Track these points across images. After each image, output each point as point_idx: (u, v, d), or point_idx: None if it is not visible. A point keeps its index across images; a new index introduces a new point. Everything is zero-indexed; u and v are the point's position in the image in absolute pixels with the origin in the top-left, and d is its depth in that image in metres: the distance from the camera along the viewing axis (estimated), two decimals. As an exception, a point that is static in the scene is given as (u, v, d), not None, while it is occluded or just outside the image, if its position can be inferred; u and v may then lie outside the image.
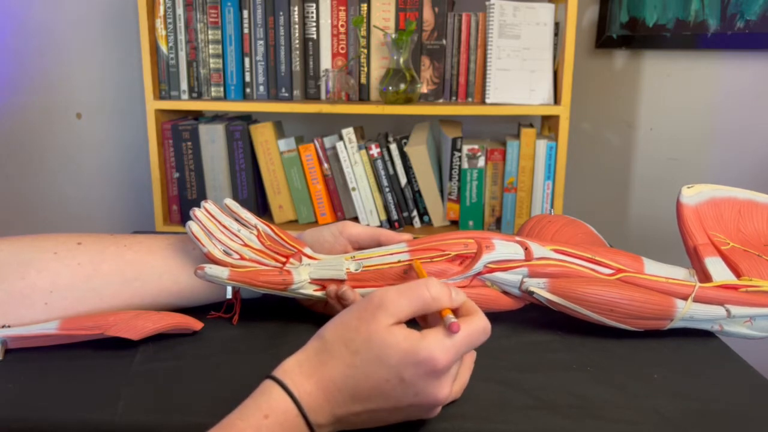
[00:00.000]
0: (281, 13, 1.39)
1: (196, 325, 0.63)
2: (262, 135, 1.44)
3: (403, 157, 1.42)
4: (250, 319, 0.65)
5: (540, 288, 0.62)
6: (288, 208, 1.49)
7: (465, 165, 1.40)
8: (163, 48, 1.42)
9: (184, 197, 1.48)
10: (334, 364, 0.45)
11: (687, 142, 1.60)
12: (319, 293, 0.62)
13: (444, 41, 1.41)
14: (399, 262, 0.63)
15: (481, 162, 1.40)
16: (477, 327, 0.46)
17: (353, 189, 1.43)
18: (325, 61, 1.43)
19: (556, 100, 1.38)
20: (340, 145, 1.41)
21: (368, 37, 1.41)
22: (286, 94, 1.43)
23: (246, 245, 0.63)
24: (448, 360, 0.44)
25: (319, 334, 0.47)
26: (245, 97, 1.44)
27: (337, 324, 0.47)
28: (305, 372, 0.45)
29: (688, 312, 0.61)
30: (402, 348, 0.44)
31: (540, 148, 1.37)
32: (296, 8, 1.39)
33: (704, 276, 0.65)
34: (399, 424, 0.48)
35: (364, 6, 1.39)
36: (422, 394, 0.44)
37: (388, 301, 0.45)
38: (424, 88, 1.43)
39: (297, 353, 0.46)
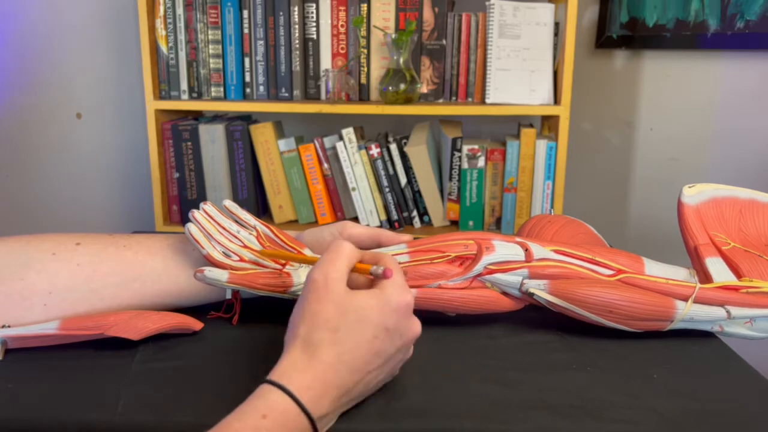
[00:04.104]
0: (281, 13, 1.39)
1: (196, 325, 0.63)
2: (262, 135, 1.44)
3: (403, 157, 1.42)
4: (250, 319, 0.65)
5: (540, 289, 0.62)
6: (288, 208, 1.49)
7: (465, 165, 1.40)
8: (163, 48, 1.42)
9: (184, 197, 1.48)
10: (323, 351, 0.46)
11: (687, 142, 1.60)
12: (319, 293, 0.62)
13: (444, 41, 1.41)
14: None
15: (481, 162, 1.40)
16: (394, 261, 0.53)
17: (353, 189, 1.43)
18: (325, 61, 1.43)
19: (556, 100, 1.38)
20: (340, 145, 1.41)
21: (368, 37, 1.41)
22: (286, 94, 1.43)
23: (245, 246, 0.63)
24: (410, 294, 0.51)
25: (291, 335, 0.49)
26: (245, 97, 1.44)
27: (302, 318, 0.48)
28: (299, 369, 0.46)
29: (688, 313, 0.61)
30: (374, 305, 0.48)
31: (540, 148, 1.37)
32: (296, 8, 1.39)
33: (705, 276, 0.65)
34: (403, 423, 0.48)
35: (364, 6, 1.39)
36: (405, 333, 0.50)
37: (330, 272, 0.49)
38: (424, 88, 1.43)
39: (283, 358, 0.47)
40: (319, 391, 0.45)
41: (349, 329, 0.47)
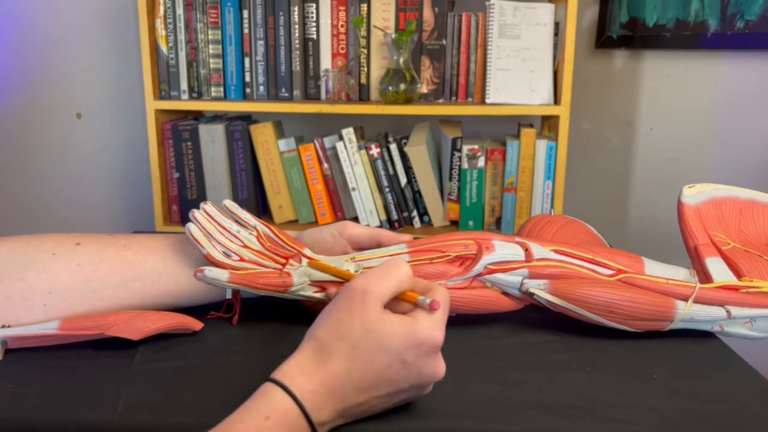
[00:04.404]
0: (281, 13, 1.39)
1: (196, 325, 0.63)
2: (262, 135, 1.44)
3: (403, 157, 1.42)
4: (250, 319, 0.65)
5: (540, 289, 0.62)
6: (288, 208, 1.49)
7: (465, 165, 1.40)
8: (163, 48, 1.42)
9: (184, 197, 1.48)
10: (335, 361, 0.45)
11: (687, 142, 1.60)
12: (319, 295, 0.62)
13: (444, 41, 1.41)
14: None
15: (481, 162, 1.40)
16: (446, 297, 0.49)
17: (353, 189, 1.43)
18: (325, 61, 1.43)
19: (556, 100, 1.38)
20: (340, 145, 1.41)
21: (368, 37, 1.41)
22: (286, 94, 1.43)
23: (245, 246, 0.63)
24: (443, 334, 0.47)
25: (310, 334, 0.48)
26: (245, 97, 1.44)
27: (327, 321, 0.47)
28: (306, 373, 0.45)
29: (689, 313, 0.61)
30: (401, 333, 0.46)
31: (540, 148, 1.37)
32: (296, 8, 1.39)
33: (705, 276, 0.65)
34: (403, 423, 0.48)
35: (364, 6, 1.39)
36: (424, 372, 0.47)
37: (374, 288, 0.47)
38: (424, 88, 1.43)
39: (294, 356, 0.47)
40: (321, 398, 0.45)
41: (367, 350, 0.45)
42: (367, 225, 1.28)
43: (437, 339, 0.46)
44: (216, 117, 1.57)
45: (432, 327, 0.46)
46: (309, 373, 0.45)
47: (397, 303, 0.49)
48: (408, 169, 1.43)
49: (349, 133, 1.40)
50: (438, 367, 0.48)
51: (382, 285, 0.47)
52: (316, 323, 0.48)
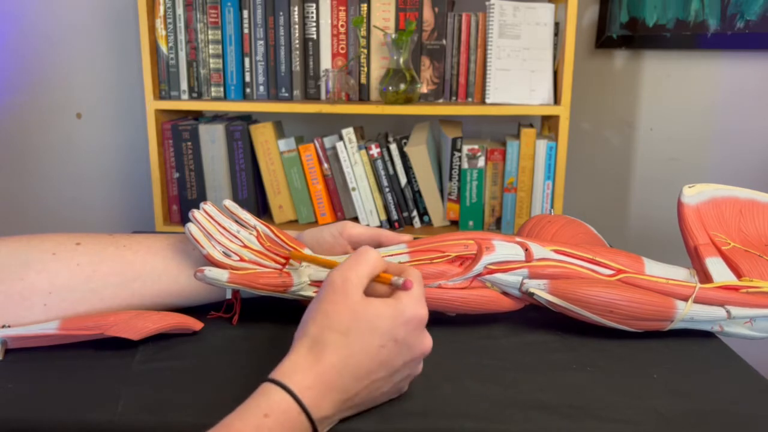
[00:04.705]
0: (281, 13, 1.39)
1: (196, 325, 0.63)
2: (262, 135, 1.44)
3: (403, 157, 1.42)
4: (250, 319, 0.65)
5: (540, 289, 0.62)
6: (288, 208, 1.49)
7: (465, 165, 1.40)
8: (163, 48, 1.42)
9: (184, 197, 1.48)
10: (330, 352, 0.46)
11: (687, 142, 1.60)
12: (319, 294, 0.62)
13: (444, 41, 1.41)
14: (399, 263, 0.63)
15: (481, 162, 1.40)
16: (418, 275, 0.52)
17: (353, 189, 1.43)
18: (325, 61, 1.43)
19: (556, 100, 1.38)
20: (340, 145, 1.41)
21: (368, 37, 1.41)
22: (286, 94, 1.43)
23: (245, 246, 0.63)
24: (426, 309, 0.50)
25: (301, 333, 0.48)
26: (245, 97, 1.44)
27: (314, 317, 0.48)
28: (302, 369, 0.46)
29: (689, 313, 0.61)
30: (388, 314, 0.48)
31: (540, 148, 1.37)
32: (296, 8, 1.39)
33: (705, 276, 0.65)
34: (403, 423, 0.48)
35: (364, 6, 1.39)
36: (414, 347, 0.49)
37: (351, 276, 0.49)
38: (424, 88, 1.43)
39: (289, 355, 0.47)
40: (320, 392, 0.45)
41: (359, 334, 0.47)
42: (367, 225, 1.28)
43: (422, 314, 0.49)
44: (216, 117, 1.57)
45: (415, 304, 0.49)
46: (305, 369, 0.45)
47: (375, 289, 0.52)
48: (408, 169, 1.43)
49: (349, 133, 1.40)
50: (426, 341, 0.50)
51: (358, 272, 0.49)
52: (304, 322, 0.49)
